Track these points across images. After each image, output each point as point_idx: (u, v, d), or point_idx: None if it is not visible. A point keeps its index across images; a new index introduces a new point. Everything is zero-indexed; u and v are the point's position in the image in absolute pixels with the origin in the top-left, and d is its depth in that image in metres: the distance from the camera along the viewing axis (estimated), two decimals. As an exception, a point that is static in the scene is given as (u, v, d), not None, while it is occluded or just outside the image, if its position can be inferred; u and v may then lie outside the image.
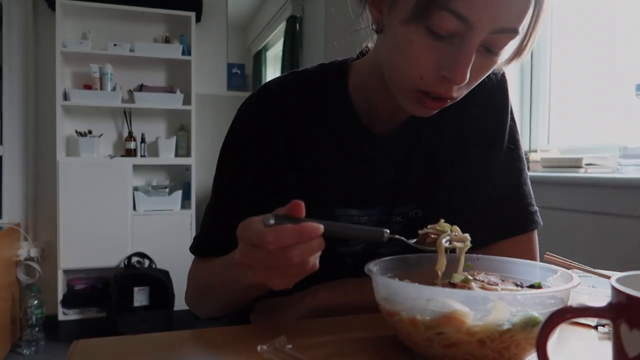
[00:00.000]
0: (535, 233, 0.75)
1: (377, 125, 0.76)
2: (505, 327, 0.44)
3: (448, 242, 0.56)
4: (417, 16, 0.56)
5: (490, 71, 0.63)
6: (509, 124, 0.77)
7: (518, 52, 0.64)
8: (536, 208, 0.76)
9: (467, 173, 0.75)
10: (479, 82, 0.63)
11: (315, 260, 0.52)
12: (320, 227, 0.50)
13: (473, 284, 0.52)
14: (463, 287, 0.52)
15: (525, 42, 0.62)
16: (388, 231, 0.55)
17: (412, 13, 0.56)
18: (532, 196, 0.76)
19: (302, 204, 0.51)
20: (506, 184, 0.75)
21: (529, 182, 0.77)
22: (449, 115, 0.72)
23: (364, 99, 0.75)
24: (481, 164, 0.75)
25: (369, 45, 0.77)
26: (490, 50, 0.59)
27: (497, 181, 0.75)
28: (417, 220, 0.76)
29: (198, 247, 0.80)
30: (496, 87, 0.77)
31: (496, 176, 0.75)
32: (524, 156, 0.78)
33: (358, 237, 0.55)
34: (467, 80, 0.58)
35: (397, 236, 0.57)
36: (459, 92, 0.63)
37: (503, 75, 0.78)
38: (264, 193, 0.74)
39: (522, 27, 0.58)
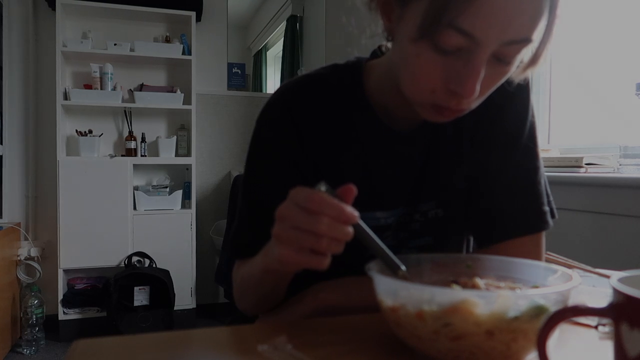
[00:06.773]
0: (544, 233, 0.75)
1: (396, 124, 0.75)
2: (513, 315, 0.44)
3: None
4: (423, 35, 0.56)
5: (504, 80, 0.61)
6: (529, 120, 0.75)
7: (532, 60, 0.61)
8: (547, 208, 0.74)
9: (486, 172, 0.75)
10: (494, 89, 0.62)
11: (336, 248, 0.51)
12: (357, 217, 0.50)
13: (477, 280, 0.52)
14: (465, 285, 0.52)
15: (540, 50, 0.60)
16: (405, 268, 0.54)
17: (418, 32, 0.56)
18: (546, 194, 0.75)
19: (355, 189, 0.51)
20: (521, 184, 0.74)
21: (543, 180, 0.75)
22: (469, 114, 0.70)
23: (382, 100, 0.74)
24: (500, 164, 0.74)
25: (387, 45, 0.75)
26: (501, 60, 0.58)
27: (512, 180, 0.74)
28: (437, 220, 0.76)
29: (238, 252, 0.79)
30: (518, 88, 0.74)
31: (512, 174, 0.74)
32: (540, 153, 0.76)
33: (377, 254, 0.53)
34: (477, 94, 0.57)
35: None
36: (473, 104, 0.62)
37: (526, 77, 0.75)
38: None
39: (537, 34, 0.56)
